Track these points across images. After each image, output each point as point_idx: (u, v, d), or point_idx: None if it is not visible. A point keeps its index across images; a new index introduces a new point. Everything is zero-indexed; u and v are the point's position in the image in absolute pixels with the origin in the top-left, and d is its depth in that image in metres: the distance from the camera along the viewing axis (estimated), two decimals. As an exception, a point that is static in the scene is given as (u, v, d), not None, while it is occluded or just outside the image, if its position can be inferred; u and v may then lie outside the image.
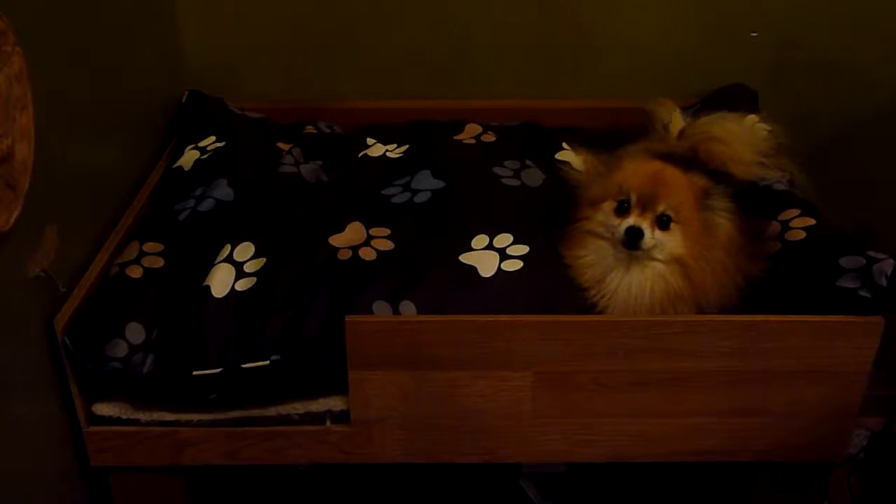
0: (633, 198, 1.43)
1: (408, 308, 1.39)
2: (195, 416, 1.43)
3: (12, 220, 1.20)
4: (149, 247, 1.52)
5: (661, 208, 1.42)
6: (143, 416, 1.42)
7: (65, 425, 1.42)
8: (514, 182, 1.66)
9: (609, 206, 1.46)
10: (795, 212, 1.53)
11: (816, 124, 2.03)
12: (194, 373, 1.38)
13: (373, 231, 1.54)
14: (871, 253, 1.38)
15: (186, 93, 1.95)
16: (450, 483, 1.79)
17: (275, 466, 1.73)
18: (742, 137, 1.63)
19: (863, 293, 1.35)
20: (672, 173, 1.45)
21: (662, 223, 1.43)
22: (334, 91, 2.03)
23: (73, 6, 1.45)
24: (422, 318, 1.37)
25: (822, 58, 1.99)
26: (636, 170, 1.47)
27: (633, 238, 1.42)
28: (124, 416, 1.42)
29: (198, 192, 1.62)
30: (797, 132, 1.75)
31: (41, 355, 1.35)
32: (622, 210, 1.44)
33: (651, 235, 1.42)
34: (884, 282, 1.34)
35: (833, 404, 1.42)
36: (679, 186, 1.44)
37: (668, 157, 1.53)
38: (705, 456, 1.48)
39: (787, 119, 1.75)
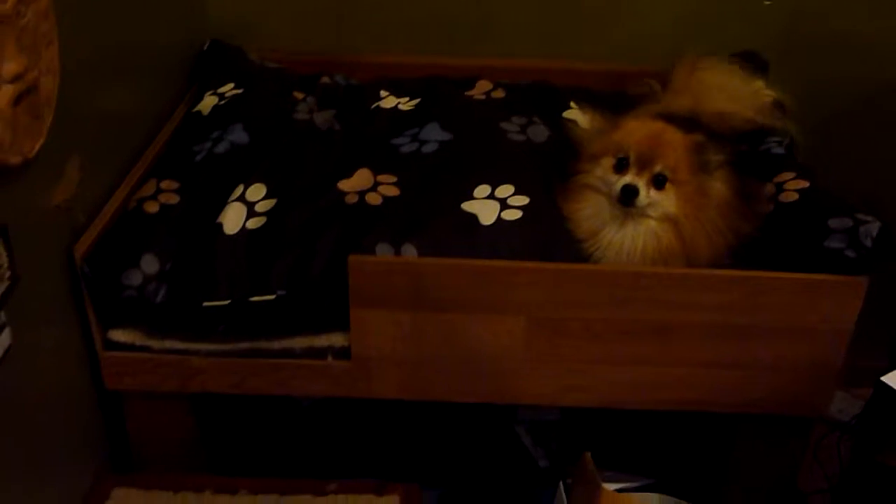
0: (632, 156, 1.48)
1: (409, 251, 1.45)
2: (204, 346, 1.50)
3: (37, 148, 1.26)
4: (166, 184, 1.59)
5: (657, 168, 1.47)
6: (155, 344, 1.50)
7: (81, 349, 1.50)
8: (520, 137, 1.71)
9: (608, 162, 1.51)
10: (791, 174, 1.57)
11: (827, 95, 2.06)
12: (204, 304, 1.45)
13: (380, 178, 1.59)
14: (859, 215, 1.42)
15: (208, 42, 2.01)
16: (447, 427, 1.86)
17: (280, 401, 1.82)
18: (742, 91, 1.66)
19: (848, 253, 1.40)
20: (672, 134, 1.50)
21: (658, 182, 1.47)
22: (351, 45, 2.09)
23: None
24: (422, 260, 1.43)
25: (834, 29, 2.02)
26: (636, 129, 1.51)
27: (628, 195, 1.47)
28: (137, 343, 1.50)
29: (215, 135, 1.68)
30: (808, 102, 1.78)
31: (61, 281, 1.43)
32: (620, 167, 1.49)
33: (646, 194, 1.47)
34: (869, 243, 1.38)
35: (815, 361, 1.47)
36: (677, 147, 1.48)
37: (669, 118, 1.58)
38: (690, 405, 1.54)
39: (798, 89, 1.78)
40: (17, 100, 1.20)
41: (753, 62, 1.91)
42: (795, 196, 1.52)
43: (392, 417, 1.85)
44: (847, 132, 2.10)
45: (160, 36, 1.83)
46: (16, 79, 1.19)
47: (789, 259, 1.46)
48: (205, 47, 2.00)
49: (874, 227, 1.39)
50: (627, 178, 1.47)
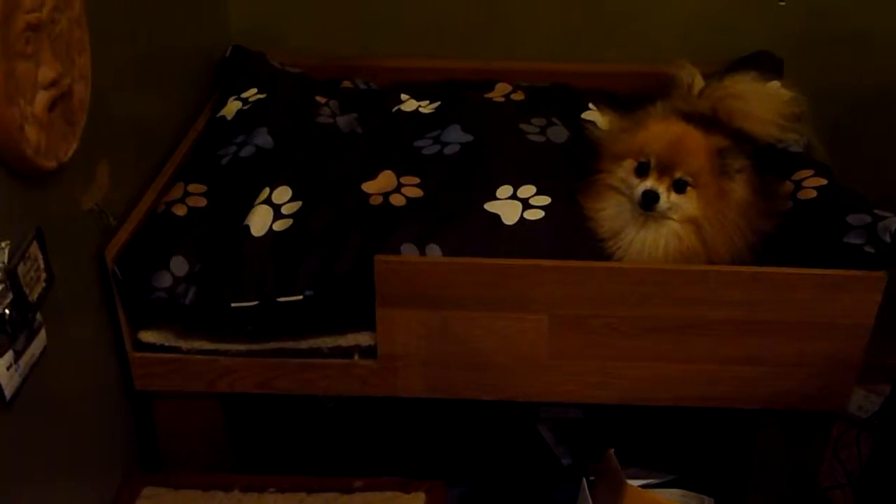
0: (653, 161, 1.50)
1: (433, 251, 1.48)
2: (232, 347, 1.53)
3: (70, 153, 1.29)
4: (193, 188, 1.62)
5: (678, 174, 1.49)
6: (185, 345, 1.52)
7: (112, 350, 1.52)
8: (540, 138, 1.73)
9: (630, 164, 1.53)
10: (809, 172, 1.59)
11: (842, 93, 2.07)
12: (233, 304, 1.48)
13: (403, 179, 1.62)
14: (878, 211, 1.44)
15: (230, 48, 2.05)
16: (470, 426, 1.88)
17: (305, 403, 1.84)
18: (762, 97, 1.68)
19: (867, 249, 1.42)
20: (693, 139, 1.51)
21: (679, 187, 1.49)
22: (371, 49, 2.12)
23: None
24: (447, 259, 1.46)
25: (848, 27, 2.03)
26: (658, 133, 1.53)
27: (648, 201, 1.49)
28: (167, 344, 1.52)
29: (239, 140, 1.71)
30: (822, 102, 1.80)
31: (92, 283, 1.45)
32: (642, 171, 1.51)
33: (667, 199, 1.49)
34: (888, 238, 1.40)
35: (836, 356, 1.49)
36: (698, 153, 1.50)
37: (691, 117, 1.60)
38: (711, 402, 1.55)
39: (813, 88, 1.80)
40: (52, 105, 1.23)
41: (768, 62, 1.93)
42: (814, 193, 1.54)
43: (416, 417, 1.87)
44: (862, 130, 2.11)
45: (184, 42, 1.86)
46: (51, 85, 1.21)
47: (808, 255, 1.48)
48: (227, 53, 2.03)
49: (892, 222, 1.41)
50: (648, 184, 1.49)
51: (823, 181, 1.56)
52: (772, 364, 1.50)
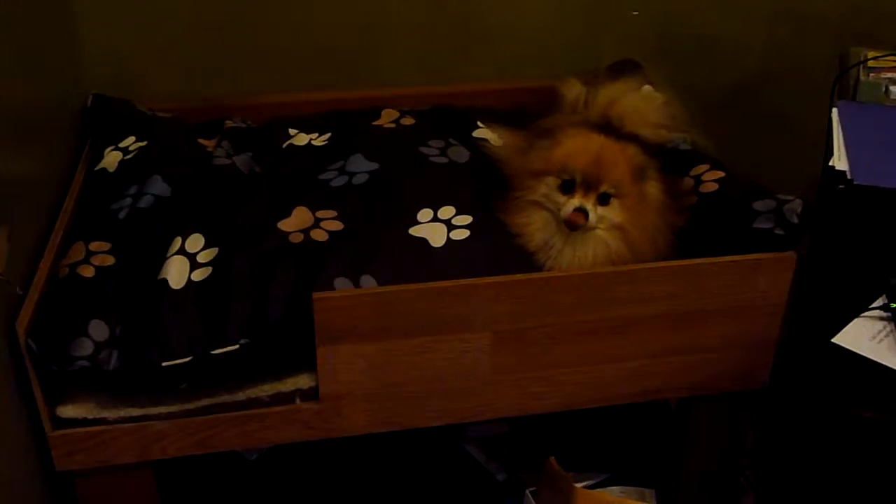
0: (578, 178, 1.53)
1: (368, 282, 1.45)
2: (164, 409, 1.43)
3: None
4: (95, 246, 1.51)
5: (603, 188, 1.53)
6: (110, 415, 1.41)
7: (26, 431, 1.39)
8: (442, 160, 1.74)
9: (552, 181, 1.55)
10: (705, 167, 1.68)
11: (694, 94, 2.19)
12: (164, 364, 1.38)
13: (319, 214, 1.58)
14: (780, 196, 1.54)
15: (90, 97, 1.93)
16: (397, 454, 1.84)
17: (226, 461, 1.75)
18: (647, 101, 1.76)
19: (778, 231, 1.51)
20: (612, 151, 1.55)
21: (604, 199, 1.54)
22: (238, 88, 2.06)
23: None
24: (388, 288, 1.43)
25: (696, 33, 2.18)
26: (579, 149, 1.55)
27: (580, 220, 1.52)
28: (90, 417, 1.41)
29: (133, 191, 1.61)
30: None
31: (1, 360, 1.33)
32: (567, 188, 1.54)
33: (595, 214, 1.53)
34: (795, 220, 1.50)
35: (755, 336, 1.57)
36: (619, 164, 1.54)
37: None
38: (645, 395, 1.60)
39: (670, 91, 1.91)
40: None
41: (633, 69, 2.03)
42: (715, 186, 1.63)
43: (342, 456, 1.82)
44: (715, 129, 2.25)
45: (43, 94, 1.73)
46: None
47: (720, 244, 1.56)
48: (88, 103, 1.91)
49: (797, 204, 1.52)
50: (576, 202, 1.52)
51: (721, 174, 1.65)
52: (699, 351, 1.57)
